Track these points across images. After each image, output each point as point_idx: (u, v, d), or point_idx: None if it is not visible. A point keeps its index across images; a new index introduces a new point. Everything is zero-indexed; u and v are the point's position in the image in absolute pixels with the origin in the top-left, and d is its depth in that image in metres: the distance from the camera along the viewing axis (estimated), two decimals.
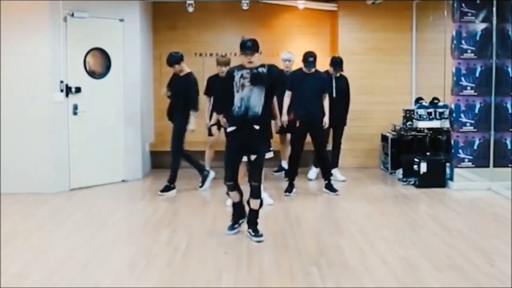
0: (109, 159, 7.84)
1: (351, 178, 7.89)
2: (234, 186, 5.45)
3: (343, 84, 8.01)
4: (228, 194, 5.59)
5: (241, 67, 5.30)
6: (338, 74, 7.93)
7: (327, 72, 7.82)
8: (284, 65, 7.92)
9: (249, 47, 5.19)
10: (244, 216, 5.54)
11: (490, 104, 7.40)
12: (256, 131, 5.25)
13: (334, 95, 7.73)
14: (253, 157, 5.31)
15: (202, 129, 7.82)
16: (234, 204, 5.58)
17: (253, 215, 5.41)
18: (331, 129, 7.88)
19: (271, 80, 5.26)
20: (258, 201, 5.38)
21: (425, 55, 9.04)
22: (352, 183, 7.75)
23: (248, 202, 5.43)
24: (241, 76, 5.25)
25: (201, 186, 7.52)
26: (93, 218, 6.21)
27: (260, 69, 5.24)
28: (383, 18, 9.02)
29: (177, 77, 7.35)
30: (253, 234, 5.32)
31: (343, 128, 8.16)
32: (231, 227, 5.54)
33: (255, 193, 5.34)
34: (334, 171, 7.93)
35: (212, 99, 7.72)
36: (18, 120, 7.19)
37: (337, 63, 7.87)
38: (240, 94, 5.24)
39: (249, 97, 5.21)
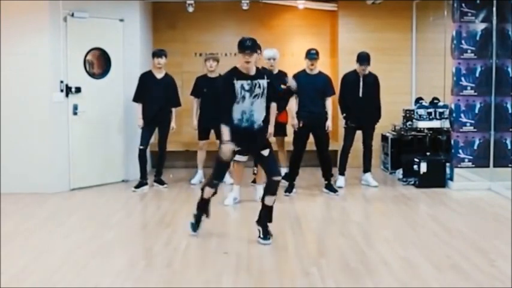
0: (109, 159, 7.83)
1: (351, 178, 7.88)
2: (218, 185, 5.41)
3: (371, 83, 7.53)
4: (202, 189, 5.39)
5: (239, 74, 5.05)
6: (367, 72, 7.49)
7: (354, 71, 7.56)
8: (268, 64, 7.27)
9: (248, 46, 4.97)
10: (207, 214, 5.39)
11: (490, 104, 7.40)
12: (259, 137, 5.16)
13: (360, 94, 7.47)
14: (265, 152, 5.14)
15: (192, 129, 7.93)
16: (206, 201, 5.39)
17: (268, 213, 5.17)
18: (361, 130, 7.68)
19: (271, 90, 5.18)
20: (275, 198, 5.14)
21: (425, 55, 9.04)
22: (352, 183, 7.74)
23: (262, 199, 5.20)
24: (242, 87, 5.01)
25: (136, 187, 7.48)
26: (93, 218, 6.21)
27: (261, 81, 5.08)
28: (383, 18, 9.02)
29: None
30: (262, 237, 5.12)
31: (373, 130, 7.74)
32: (197, 227, 5.38)
33: (276, 189, 5.12)
34: (366, 175, 7.75)
35: (200, 100, 7.74)
36: (18, 120, 7.19)
37: (362, 57, 7.42)
38: (240, 106, 5.03)
39: (251, 110, 5.05)
